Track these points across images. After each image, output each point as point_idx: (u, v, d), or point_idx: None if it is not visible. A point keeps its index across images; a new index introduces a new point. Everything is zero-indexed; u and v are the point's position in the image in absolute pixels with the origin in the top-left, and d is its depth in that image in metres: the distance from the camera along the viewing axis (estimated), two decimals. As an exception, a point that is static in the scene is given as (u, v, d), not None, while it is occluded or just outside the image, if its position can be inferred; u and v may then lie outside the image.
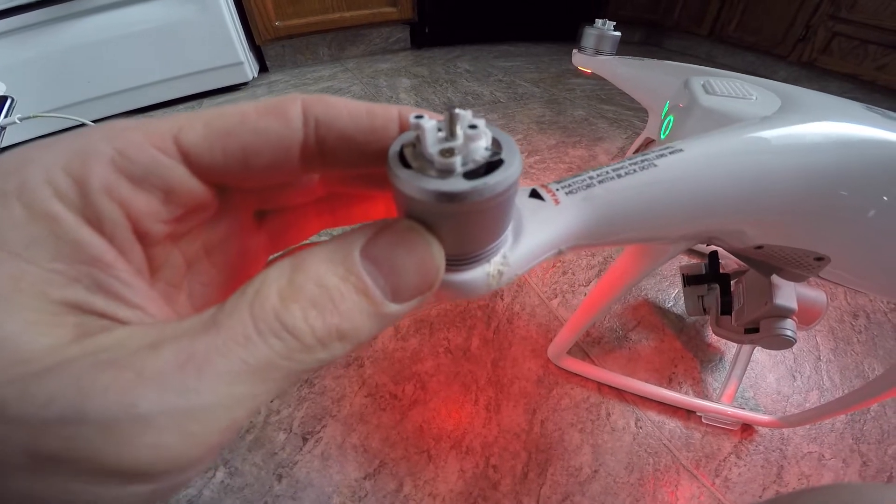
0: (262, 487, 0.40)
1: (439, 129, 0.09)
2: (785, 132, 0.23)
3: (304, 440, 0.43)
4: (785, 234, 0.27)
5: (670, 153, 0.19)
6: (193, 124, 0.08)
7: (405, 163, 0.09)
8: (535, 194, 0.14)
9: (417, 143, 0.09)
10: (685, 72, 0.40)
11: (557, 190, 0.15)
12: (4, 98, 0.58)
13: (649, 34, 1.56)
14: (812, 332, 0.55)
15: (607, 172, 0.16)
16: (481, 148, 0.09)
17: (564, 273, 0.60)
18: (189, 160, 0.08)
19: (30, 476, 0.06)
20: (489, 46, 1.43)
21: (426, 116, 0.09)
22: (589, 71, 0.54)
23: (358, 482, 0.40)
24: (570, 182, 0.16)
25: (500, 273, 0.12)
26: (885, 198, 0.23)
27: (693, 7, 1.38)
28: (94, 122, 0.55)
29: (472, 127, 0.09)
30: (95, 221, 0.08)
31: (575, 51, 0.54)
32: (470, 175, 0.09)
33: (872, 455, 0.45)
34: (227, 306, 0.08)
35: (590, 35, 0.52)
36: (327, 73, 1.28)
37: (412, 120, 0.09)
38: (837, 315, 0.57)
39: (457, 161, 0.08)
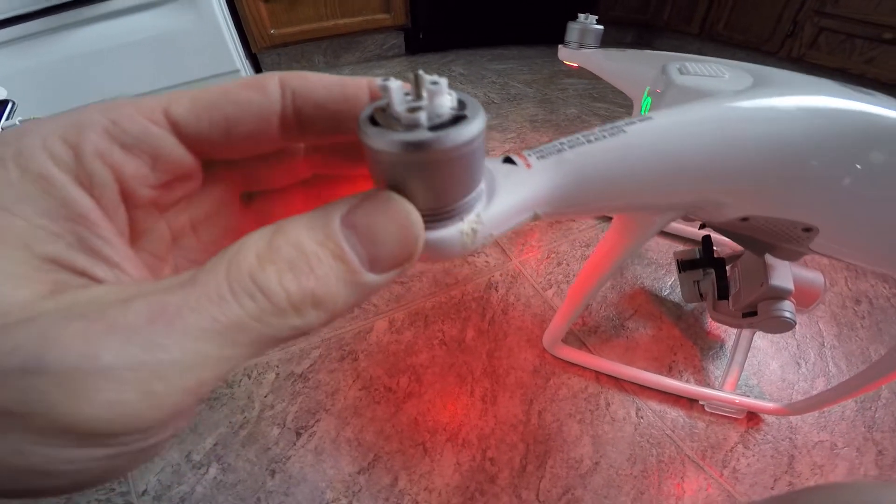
0: (256, 483, 0.39)
1: (406, 93, 0.09)
2: (753, 103, 0.23)
3: (298, 435, 0.42)
4: (765, 204, 0.26)
5: (640, 121, 0.19)
6: (181, 99, 0.09)
7: (375, 124, 0.09)
8: (508, 160, 0.15)
9: (387, 107, 0.09)
10: (664, 59, 0.41)
11: (529, 155, 0.15)
12: (6, 102, 0.60)
13: (640, 34, 1.59)
14: (814, 318, 0.54)
15: (578, 139, 0.17)
16: (446, 105, 0.09)
17: (559, 264, 0.60)
18: (177, 130, 0.09)
19: None
20: (483, 50, 1.45)
21: (392, 79, 0.09)
22: (575, 65, 0.55)
23: (352, 477, 0.39)
24: (542, 148, 0.16)
25: (474, 231, 0.12)
26: (858, 166, 0.23)
27: (682, 6, 1.40)
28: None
29: (434, 84, 0.09)
30: (86, 182, 0.08)
31: (561, 46, 0.55)
32: (435, 129, 0.09)
33: (888, 443, 0.43)
34: (206, 266, 0.08)
35: (573, 29, 0.53)
36: (323, 80, 1.30)
37: (379, 83, 0.09)
38: (839, 301, 0.57)
39: (422, 115, 0.09)
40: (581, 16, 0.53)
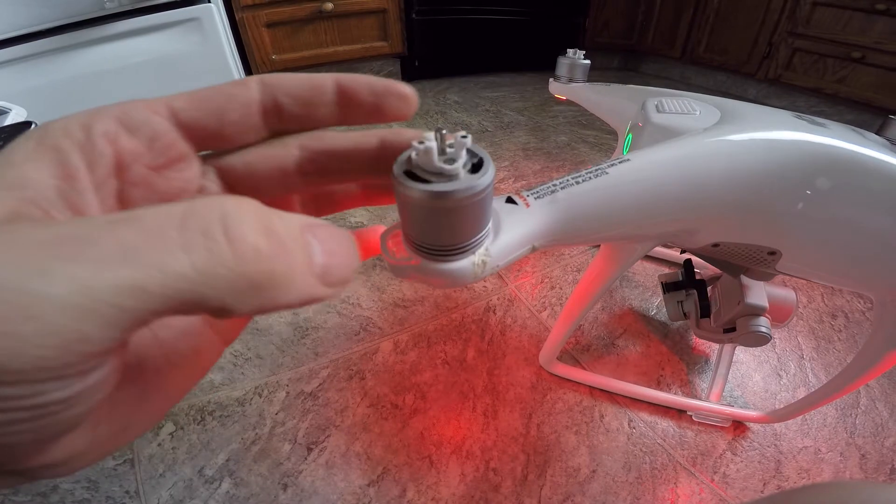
0: (268, 497, 0.43)
1: (433, 145, 0.12)
2: (716, 140, 0.28)
3: (309, 450, 0.46)
4: (731, 231, 0.32)
5: (619, 163, 0.24)
6: (182, 95, 0.11)
7: (409, 173, 0.12)
8: (510, 200, 0.18)
9: (417, 158, 0.12)
10: (644, 94, 0.47)
11: (528, 195, 0.19)
12: (28, 123, 0.65)
13: (627, 59, 1.71)
14: (793, 332, 0.60)
15: (568, 180, 0.21)
16: (464, 158, 0.12)
17: (552, 288, 0.66)
18: (177, 118, 0.11)
19: None
20: (476, 77, 1.55)
21: (430, 138, 0.12)
22: (564, 98, 0.62)
23: (362, 489, 0.43)
24: (538, 189, 0.20)
25: (484, 263, 0.15)
26: (808, 191, 0.28)
27: (665, 30, 1.52)
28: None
29: (462, 138, 0.12)
30: (88, 154, 0.09)
31: (551, 79, 0.60)
32: (454, 179, 0.12)
33: (870, 447, 0.48)
34: (153, 206, 0.07)
35: (563, 64, 0.58)
36: (321, 107, 1.39)
37: (417, 146, 0.12)
38: (816, 316, 0.63)
39: (448, 168, 0.12)
40: (570, 51, 0.57)
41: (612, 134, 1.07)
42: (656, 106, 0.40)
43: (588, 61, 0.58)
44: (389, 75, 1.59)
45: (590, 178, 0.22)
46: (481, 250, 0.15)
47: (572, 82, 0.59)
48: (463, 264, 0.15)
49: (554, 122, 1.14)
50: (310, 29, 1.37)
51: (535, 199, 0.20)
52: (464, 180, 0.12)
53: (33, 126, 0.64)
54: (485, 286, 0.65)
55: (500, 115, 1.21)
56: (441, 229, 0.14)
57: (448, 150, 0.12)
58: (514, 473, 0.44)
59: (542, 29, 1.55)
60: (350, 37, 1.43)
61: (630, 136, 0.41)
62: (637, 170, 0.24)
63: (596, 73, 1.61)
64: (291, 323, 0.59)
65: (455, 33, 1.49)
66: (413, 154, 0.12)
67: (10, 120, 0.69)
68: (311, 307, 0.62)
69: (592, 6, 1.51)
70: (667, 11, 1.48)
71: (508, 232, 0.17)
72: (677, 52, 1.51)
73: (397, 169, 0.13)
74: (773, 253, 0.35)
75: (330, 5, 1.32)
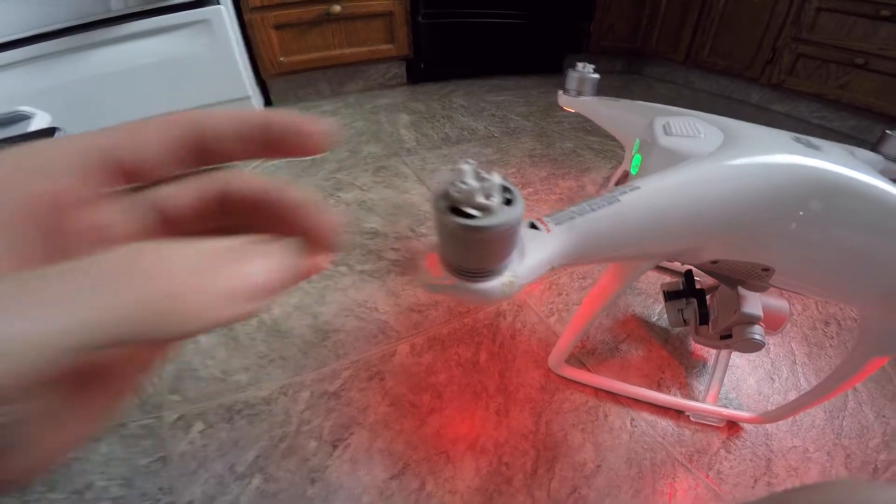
0: (297, 491, 0.47)
1: (469, 180, 0.15)
2: (718, 167, 0.31)
3: (334, 446, 0.50)
4: (730, 250, 0.36)
5: (630, 190, 0.28)
6: (104, 131, 0.11)
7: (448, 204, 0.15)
8: (533, 226, 0.22)
9: (455, 194, 0.15)
10: (652, 112, 0.50)
11: (549, 221, 0.23)
12: (53, 129, 0.65)
13: (630, 63, 1.74)
14: (787, 339, 0.64)
15: (584, 208, 0.25)
16: (497, 196, 0.15)
17: (559, 294, 0.70)
18: (100, 155, 0.11)
19: None
20: (481, 81, 1.59)
21: (470, 178, 0.15)
22: (573, 110, 0.65)
23: (385, 482, 0.47)
24: (558, 216, 0.24)
25: (511, 283, 0.19)
26: (801, 212, 0.31)
27: (669, 34, 1.54)
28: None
29: (485, 179, 0.15)
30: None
31: (560, 92, 0.63)
32: (490, 212, 0.15)
33: (855, 448, 0.52)
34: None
35: (572, 78, 0.60)
36: (329, 108, 1.41)
37: (460, 186, 0.15)
38: (810, 323, 0.67)
39: (487, 204, 0.15)
40: (579, 65, 0.60)
41: (617, 141, 1.11)
42: (664, 127, 0.42)
43: (597, 76, 0.60)
44: (395, 78, 1.62)
45: (604, 205, 0.26)
46: (508, 272, 0.19)
47: (581, 95, 0.62)
48: (493, 284, 0.18)
49: (559, 128, 1.18)
50: (317, 31, 1.40)
51: (556, 224, 0.23)
52: (499, 215, 0.15)
53: (58, 133, 0.66)
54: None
55: (505, 121, 1.24)
56: (478, 256, 0.17)
57: (483, 184, 0.15)
58: (525, 467, 0.48)
59: (546, 33, 1.58)
60: (357, 39, 1.46)
61: (639, 156, 0.44)
62: (645, 198, 0.28)
63: (600, 77, 1.63)
64: (312, 326, 0.63)
65: (460, 36, 1.52)
66: (455, 192, 0.15)
67: (34, 125, 0.72)
68: (330, 311, 0.66)
69: (597, 10, 1.54)
70: (671, 15, 1.50)
71: (532, 255, 0.21)
72: (681, 55, 1.54)
73: (441, 203, 0.15)
74: (766, 269, 0.39)
75: (338, 8, 1.35)
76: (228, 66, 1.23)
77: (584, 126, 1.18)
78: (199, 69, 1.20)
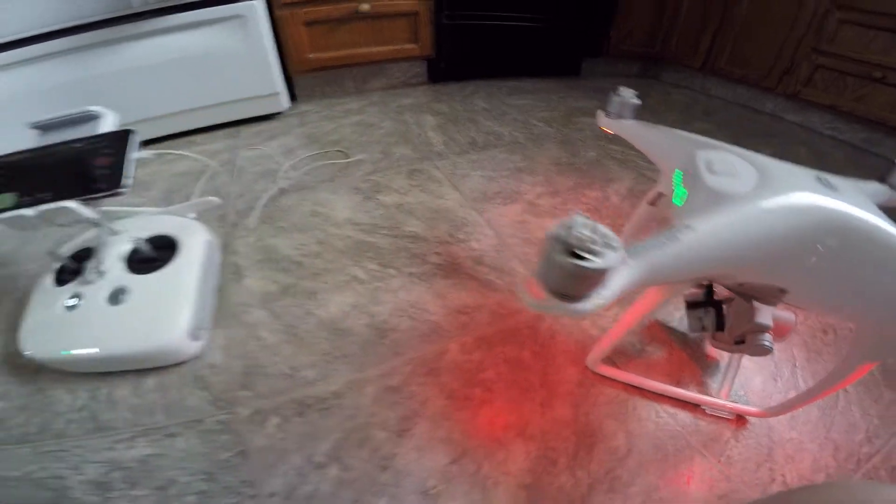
0: (370, 478, 0.53)
1: (576, 226, 0.25)
2: (756, 210, 0.39)
3: (400, 436, 0.57)
4: (758, 276, 0.44)
5: (686, 229, 0.36)
6: None
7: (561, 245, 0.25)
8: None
9: (575, 244, 0.24)
10: (691, 143, 0.55)
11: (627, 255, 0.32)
12: (127, 132, 0.65)
13: (647, 67, 1.78)
14: (790, 345, 0.73)
15: (653, 244, 0.34)
16: (603, 242, 0.24)
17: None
18: None
19: None
20: (499, 82, 1.63)
21: (582, 227, 0.25)
22: (611, 131, 0.68)
23: (446, 467, 0.54)
24: (632, 251, 0.32)
25: (597, 305, 0.27)
26: (819, 247, 0.40)
27: (688, 40, 1.56)
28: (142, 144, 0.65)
29: (586, 227, 0.24)
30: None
31: (601, 113, 0.68)
32: (599, 258, 0.24)
33: (842, 441, 0.60)
34: None
35: (614, 101, 0.65)
36: (356, 107, 1.46)
37: (578, 234, 0.25)
38: (810, 331, 0.75)
39: (599, 250, 0.24)
40: (622, 89, 0.64)
41: (638, 152, 1.16)
42: (707, 165, 0.47)
43: (639, 101, 0.64)
44: (416, 77, 1.67)
45: (668, 243, 0.35)
46: (596, 296, 0.27)
47: (621, 119, 0.66)
48: (585, 306, 0.27)
49: (581, 136, 1.24)
50: (345, 29, 1.43)
51: (632, 258, 0.32)
52: (608, 259, 0.23)
53: (132, 135, 0.65)
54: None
55: (529, 126, 1.30)
56: (582, 287, 0.25)
57: (594, 234, 0.23)
58: (568, 451, 0.56)
59: (565, 36, 1.62)
60: (382, 38, 1.49)
61: (685, 191, 0.49)
62: (699, 238, 0.37)
63: (616, 80, 1.66)
64: (370, 325, 0.71)
65: (481, 38, 1.56)
66: (573, 240, 0.23)
67: (104, 125, 0.70)
68: (385, 311, 0.73)
69: (618, 15, 1.58)
70: (691, 21, 1.53)
71: (614, 281, 0.29)
72: (698, 62, 1.57)
73: (557, 247, 0.23)
74: (782, 290, 0.47)
75: (367, 6, 1.38)
76: (260, 61, 1.27)
77: (606, 135, 1.23)
78: (231, 64, 1.23)
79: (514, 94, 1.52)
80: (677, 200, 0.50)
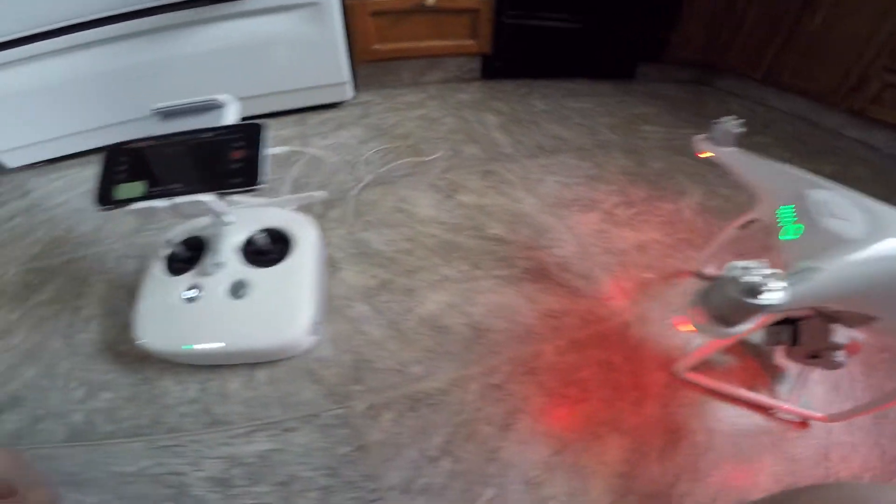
0: (479, 470, 0.58)
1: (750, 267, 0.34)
2: (866, 253, 0.47)
3: (504, 431, 0.64)
4: (859, 307, 0.52)
5: (818, 270, 0.44)
6: None
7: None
8: None
9: (759, 288, 0.33)
10: (798, 181, 0.60)
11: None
12: (258, 126, 0.61)
13: (702, 74, 1.77)
14: (850, 360, 0.80)
15: (796, 280, 0.41)
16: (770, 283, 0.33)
17: (675, 311, 0.84)
18: None
19: None
20: (553, 82, 1.63)
21: (759, 269, 0.34)
22: (710, 155, 0.71)
23: (548, 458, 0.61)
24: (788, 280, 0.40)
25: (745, 328, 0.37)
26: None
27: (750, 51, 1.53)
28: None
29: (769, 271, 0.33)
30: None
31: (701, 137, 0.71)
32: (772, 295, 0.33)
33: (889, 447, 0.68)
34: None
35: (717, 129, 0.69)
36: (415, 100, 1.49)
37: (758, 275, 0.33)
38: (869, 349, 0.81)
39: (775, 287, 0.33)
40: (724, 118, 0.67)
41: (709, 166, 1.16)
42: (822, 206, 0.53)
43: (742, 130, 0.68)
44: (470, 72, 1.69)
45: (809, 277, 0.43)
46: (747, 322, 0.35)
47: (721, 146, 0.70)
48: (738, 328, 0.36)
49: (647, 145, 1.27)
50: (409, 21, 1.45)
51: (790, 286, 0.40)
52: (782, 298, 0.32)
53: (264, 129, 0.62)
54: (619, 305, 0.84)
55: (594, 132, 1.33)
56: (744, 317, 0.34)
57: (769, 276, 0.31)
58: (657, 445, 0.65)
59: (623, 40, 1.63)
60: (443, 32, 1.51)
61: (802, 226, 0.53)
62: (827, 277, 0.45)
63: (668, 86, 1.68)
64: (468, 324, 0.78)
65: (539, 38, 1.57)
66: (751, 281, 0.31)
67: (227, 114, 0.68)
68: (480, 311, 0.80)
69: (680, 21, 1.57)
70: (756, 32, 1.50)
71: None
72: (759, 73, 1.55)
73: (734, 286, 0.32)
74: (871, 318, 0.55)
75: (432, 0, 1.40)
76: (331, 49, 1.28)
77: (670, 143, 1.27)
78: (302, 51, 1.24)
79: (571, 96, 1.54)
80: (790, 235, 0.56)
